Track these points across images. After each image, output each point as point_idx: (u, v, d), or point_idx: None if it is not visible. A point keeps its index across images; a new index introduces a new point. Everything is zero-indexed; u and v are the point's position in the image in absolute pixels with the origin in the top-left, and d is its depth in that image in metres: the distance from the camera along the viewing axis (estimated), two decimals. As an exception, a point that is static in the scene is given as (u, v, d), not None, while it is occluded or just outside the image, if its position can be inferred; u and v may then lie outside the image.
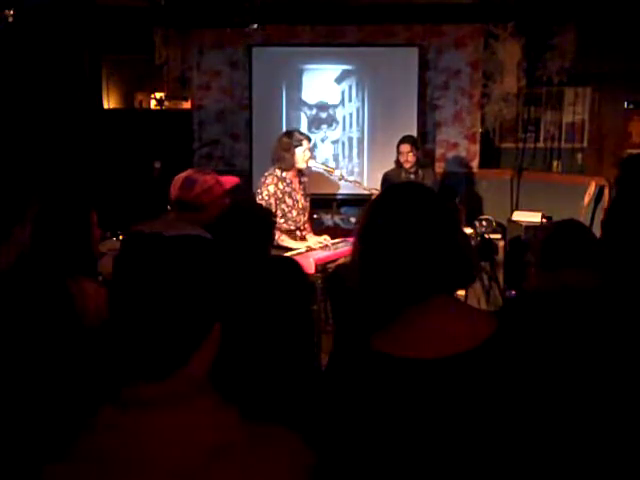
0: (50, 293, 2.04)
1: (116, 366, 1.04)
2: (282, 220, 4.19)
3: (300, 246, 4.18)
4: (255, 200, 4.10)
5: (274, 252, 3.36)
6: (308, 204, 4.40)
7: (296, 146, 4.19)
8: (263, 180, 4.21)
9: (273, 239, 3.07)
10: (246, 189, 5.33)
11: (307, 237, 4.40)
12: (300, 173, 4.37)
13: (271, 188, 4.16)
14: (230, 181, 2.98)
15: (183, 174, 2.87)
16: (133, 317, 1.00)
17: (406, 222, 1.26)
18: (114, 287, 1.04)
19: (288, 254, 3.84)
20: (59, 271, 2.10)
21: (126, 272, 1.03)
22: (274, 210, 4.12)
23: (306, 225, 4.41)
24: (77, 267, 2.16)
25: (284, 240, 4.16)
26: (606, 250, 2.38)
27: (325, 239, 4.32)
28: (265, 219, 2.63)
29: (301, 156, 4.20)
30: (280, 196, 4.18)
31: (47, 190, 2.36)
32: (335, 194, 6.28)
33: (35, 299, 2.02)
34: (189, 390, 1.02)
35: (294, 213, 4.25)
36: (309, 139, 4.29)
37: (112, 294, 1.04)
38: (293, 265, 2.51)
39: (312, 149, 4.33)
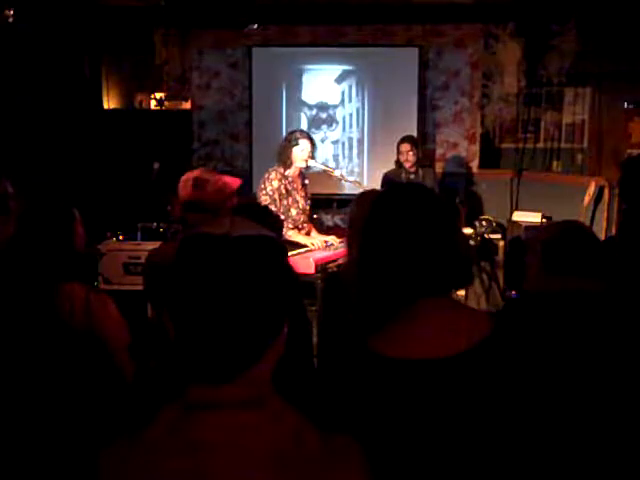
0: (33, 296, 2.05)
1: (182, 367, 1.01)
2: (282, 217, 4.20)
3: (307, 241, 4.20)
4: (259, 203, 4.08)
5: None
6: (308, 207, 4.41)
7: (294, 144, 4.20)
8: (267, 176, 4.22)
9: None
10: (247, 190, 5.31)
11: (312, 234, 4.41)
12: (302, 175, 4.38)
13: (275, 183, 4.18)
14: (235, 182, 2.90)
15: (191, 175, 2.71)
16: (204, 320, 0.97)
17: (406, 222, 1.26)
18: (179, 288, 1.01)
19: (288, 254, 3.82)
20: (44, 275, 2.10)
21: (197, 275, 0.99)
22: (278, 206, 4.13)
23: (305, 225, 4.41)
24: (65, 270, 2.15)
25: (292, 235, 4.17)
26: (614, 255, 2.36)
27: (333, 239, 4.34)
28: (274, 222, 2.60)
29: (299, 155, 4.21)
30: (283, 192, 4.20)
31: (34, 191, 2.36)
32: (335, 194, 6.28)
33: (18, 302, 2.03)
34: (259, 392, 1.00)
35: (293, 212, 4.26)
36: (310, 138, 4.29)
37: (178, 295, 1.01)
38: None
39: (313, 149, 4.32)
